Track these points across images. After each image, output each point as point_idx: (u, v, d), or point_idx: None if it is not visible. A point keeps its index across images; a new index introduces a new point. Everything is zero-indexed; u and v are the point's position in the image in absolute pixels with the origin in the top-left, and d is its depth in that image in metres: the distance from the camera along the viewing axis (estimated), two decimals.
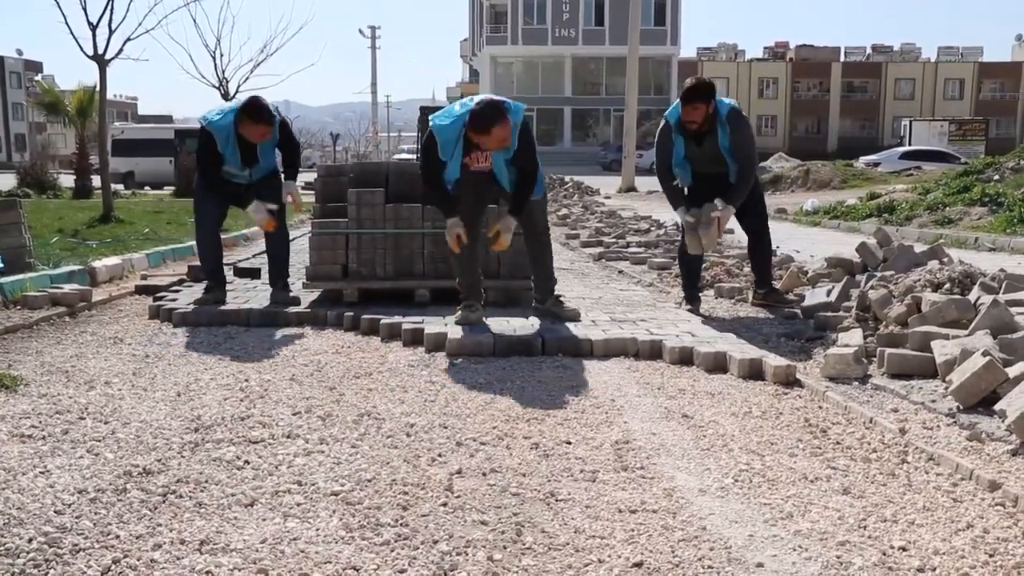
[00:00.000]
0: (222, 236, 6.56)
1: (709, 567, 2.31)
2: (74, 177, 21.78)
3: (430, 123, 5.26)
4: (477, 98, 5.33)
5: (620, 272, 8.16)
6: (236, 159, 5.93)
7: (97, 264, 7.45)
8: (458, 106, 5.26)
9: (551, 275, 5.65)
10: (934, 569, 2.29)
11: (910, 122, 43.10)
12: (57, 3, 12.59)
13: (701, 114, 5.72)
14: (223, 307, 5.83)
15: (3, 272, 6.58)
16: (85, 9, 12.34)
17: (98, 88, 13.93)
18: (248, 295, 6.32)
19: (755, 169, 6.17)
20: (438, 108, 6.82)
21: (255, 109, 5.84)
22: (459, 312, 5.32)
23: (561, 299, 5.65)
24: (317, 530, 2.50)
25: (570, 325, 5.27)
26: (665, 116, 5.95)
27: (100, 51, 12.44)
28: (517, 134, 5.15)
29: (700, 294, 6.29)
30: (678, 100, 5.84)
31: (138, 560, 2.30)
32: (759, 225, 6.20)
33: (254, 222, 6.51)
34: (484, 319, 5.33)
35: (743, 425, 3.57)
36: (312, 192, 7.12)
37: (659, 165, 6.04)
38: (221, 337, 5.24)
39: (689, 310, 5.95)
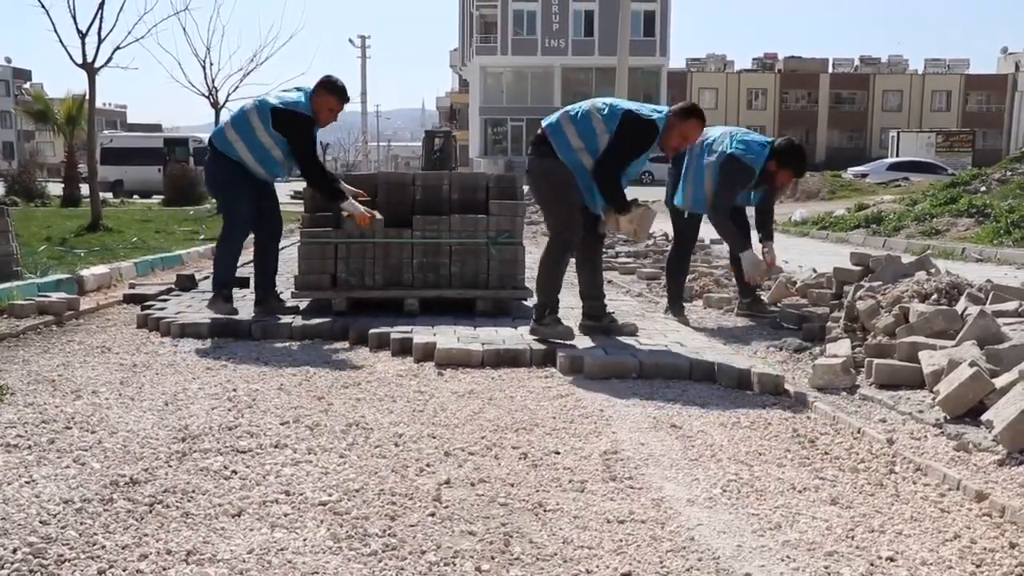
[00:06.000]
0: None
1: None
2: (62, 185, 21.66)
3: (652, 116, 5.03)
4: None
5: (609, 282, 8.15)
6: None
7: (85, 273, 7.42)
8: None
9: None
10: None
11: (898, 133, 43.34)
12: (46, 11, 12.62)
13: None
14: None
15: None
16: (74, 17, 12.32)
17: (87, 96, 13.88)
18: (236, 305, 6.26)
19: None
20: (438, 131, 6.77)
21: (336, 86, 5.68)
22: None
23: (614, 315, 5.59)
24: (304, 540, 2.49)
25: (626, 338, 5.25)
26: (749, 161, 5.82)
27: (89, 59, 12.40)
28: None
29: (689, 304, 6.34)
30: (767, 149, 5.82)
31: (124, 571, 2.28)
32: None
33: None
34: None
35: (731, 435, 3.58)
36: (301, 201, 7.09)
37: (726, 206, 5.97)
38: (209, 346, 5.22)
39: (678, 320, 5.98)
